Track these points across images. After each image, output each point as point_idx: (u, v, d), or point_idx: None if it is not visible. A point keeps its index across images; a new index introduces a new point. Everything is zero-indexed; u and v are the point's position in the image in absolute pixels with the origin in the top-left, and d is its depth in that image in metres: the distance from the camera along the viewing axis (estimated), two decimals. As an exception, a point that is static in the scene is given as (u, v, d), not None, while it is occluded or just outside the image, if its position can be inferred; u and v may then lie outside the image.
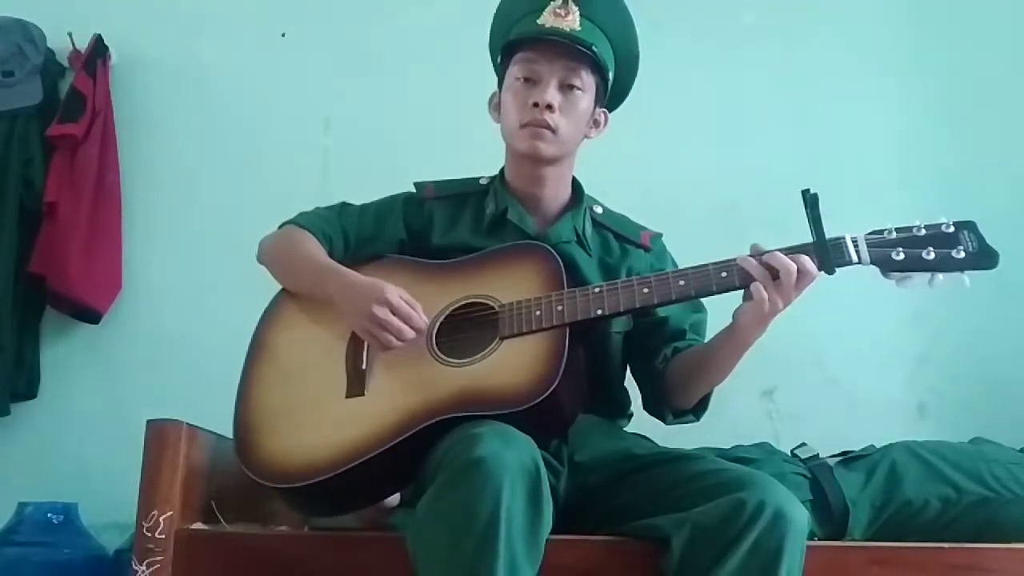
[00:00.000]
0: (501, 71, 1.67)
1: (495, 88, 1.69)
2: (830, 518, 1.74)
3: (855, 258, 1.39)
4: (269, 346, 1.62)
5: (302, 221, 1.69)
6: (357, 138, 2.70)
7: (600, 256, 1.66)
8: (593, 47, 1.58)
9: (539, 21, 1.59)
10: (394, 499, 1.56)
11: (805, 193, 1.40)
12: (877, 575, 1.44)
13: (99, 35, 2.69)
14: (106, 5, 2.76)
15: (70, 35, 2.68)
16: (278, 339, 1.62)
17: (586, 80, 1.61)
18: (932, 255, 1.38)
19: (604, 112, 1.69)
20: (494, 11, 1.71)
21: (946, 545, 1.50)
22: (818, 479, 1.79)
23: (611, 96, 1.70)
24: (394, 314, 1.46)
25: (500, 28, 1.70)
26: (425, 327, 1.49)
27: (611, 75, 1.66)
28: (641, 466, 1.50)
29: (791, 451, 1.90)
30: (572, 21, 1.59)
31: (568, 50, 1.58)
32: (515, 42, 1.62)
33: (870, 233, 1.42)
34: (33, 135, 2.61)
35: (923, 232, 1.40)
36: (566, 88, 1.59)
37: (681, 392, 1.59)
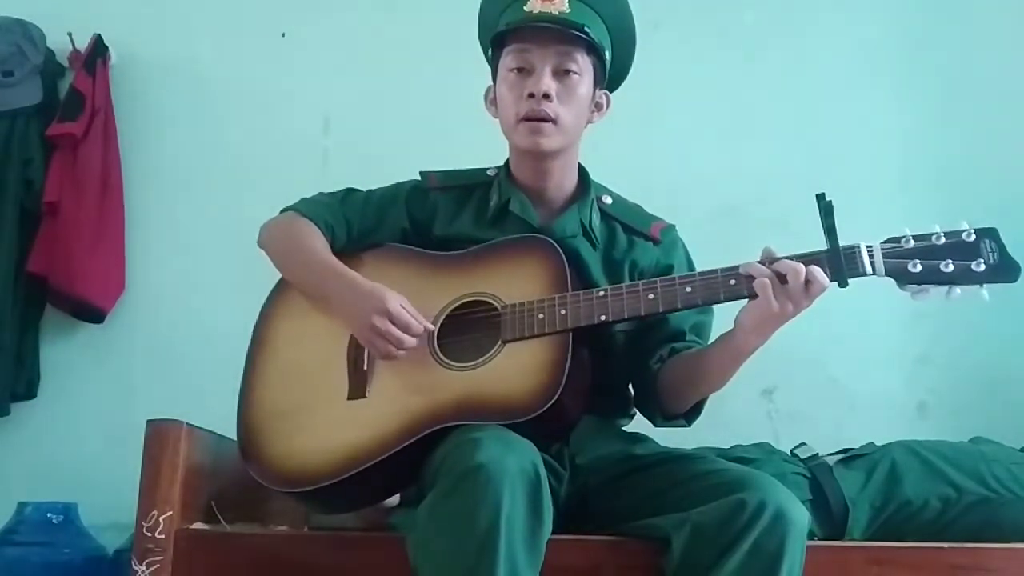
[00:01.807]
0: (494, 63, 1.62)
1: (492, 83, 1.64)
2: (830, 518, 1.74)
3: (869, 270, 1.32)
4: (270, 341, 1.61)
5: (305, 209, 1.65)
6: (357, 138, 2.70)
7: (605, 249, 1.62)
8: (585, 27, 1.53)
9: (526, 8, 1.53)
10: (394, 499, 1.56)
11: (820, 198, 1.33)
12: (877, 575, 1.44)
13: (99, 35, 2.68)
14: (106, 5, 2.75)
15: (70, 35, 2.68)
16: (278, 334, 1.61)
17: (582, 63, 1.55)
18: (951, 267, 1.30)
19: (606, 94, 1.64)
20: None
21: (946, 545, 1.50)
22: (818, 479, 1.79)
23: (611, 77, 1.64)
24: (393, 323, 1.44)
25: (488, 18, 1.64)
26: (425, 333, 1.47)
27: (608, 55, 1.60)
28: (642, 466, 1.49)
29: (791, 451, 1.90)
30: (560, 3, 1.53)
31: (560, 34, 1.52)
32: (505, 32, 1.56)
33: (886, 241, 1.34)
34: (33, 135, 2.60)
35: (942, 240, 1.32)
36: (562, 74, 1.54)
37: (674, 396, 1.55)
